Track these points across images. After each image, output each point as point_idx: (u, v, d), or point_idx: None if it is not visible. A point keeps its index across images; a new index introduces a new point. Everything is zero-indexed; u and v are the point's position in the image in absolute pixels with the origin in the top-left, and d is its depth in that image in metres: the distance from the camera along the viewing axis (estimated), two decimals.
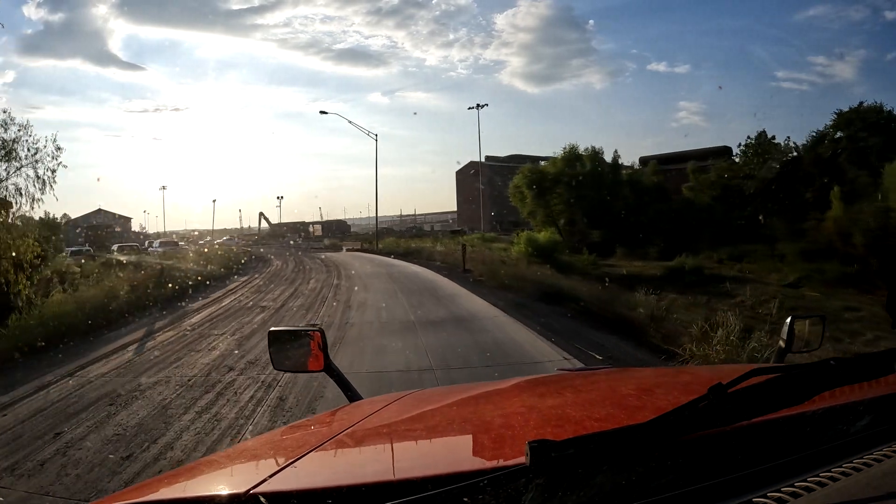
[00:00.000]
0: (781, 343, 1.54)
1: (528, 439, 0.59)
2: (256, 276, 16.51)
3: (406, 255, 24.72)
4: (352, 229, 55.96)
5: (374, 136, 33.98)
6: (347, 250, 36.77)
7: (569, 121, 70.21)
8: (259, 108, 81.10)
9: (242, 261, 22.64)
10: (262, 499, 0.68)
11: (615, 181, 26.08)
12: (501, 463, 0.67)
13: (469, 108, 45.13)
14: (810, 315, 1.61)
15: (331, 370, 1.59)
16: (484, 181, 46.44)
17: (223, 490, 0.76)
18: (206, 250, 31.62)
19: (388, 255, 26.77)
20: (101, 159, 76.59)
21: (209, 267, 17.25)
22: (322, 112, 33.90)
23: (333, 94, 75.73)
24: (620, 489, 0.60)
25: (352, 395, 1.59)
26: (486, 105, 51.87)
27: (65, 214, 52.62)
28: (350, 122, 37.83)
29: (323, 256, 25.99)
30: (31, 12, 66.88)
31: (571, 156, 27.28)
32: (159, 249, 26.84)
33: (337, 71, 76.95)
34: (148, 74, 75.98)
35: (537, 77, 78.40)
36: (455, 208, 55.65)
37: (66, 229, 50.74)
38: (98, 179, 74.30)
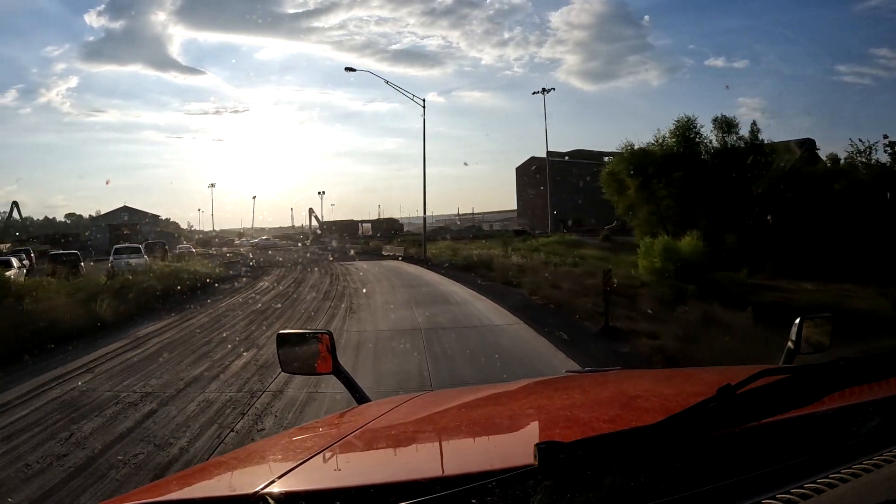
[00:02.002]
0: (790, 344, 1.48)
1: (536, 441, 0.61)
2: (173, 329, 9.87)
3: (467, 271, 18.39)
4: (405, 228, 54.28)
5: (422, 102, 26.63)
6: (386, 256, 30.86)
7: (626, 118, 67.09)
8: (316, 109, 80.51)
9: (216, 281, 17.60)
10: (270, 500, 0.70)
11: (754, 166, 19.35)
12: (510, 464, 0.68)
13: (534, 93, 44.30)
14: (819, 315, 1.58)
15: (339, 373, 1.62)
16: (549, 178, 43.76)
17: (233, 491, 0.80)
18: (211, 253, 29.88)
19: (439, 267, 21.08)
20: (163, 160, 78.14)
21: (117, 299, 11.78)
22: (349, 69, 28.62)
23: (390, 94, 74.96)
24: (629, 491, 0.63)
25: (360, 398, 1.60)
26: (553, 89, 49.49)
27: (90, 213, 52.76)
28: (387, 82, 29.61)
29: (345, 270, 21.03)
30: (93, 20, 70.86)
31: (687, 131, 20.63)
32: (112, 260, 21.06)
33: (393, 71, 74.48)
34: (207, 78, 76.92)
35: (593, 74, 76.75)
36: (514, 206, 54.03)
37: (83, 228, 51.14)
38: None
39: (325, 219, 55.71)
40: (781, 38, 62.68)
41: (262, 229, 58.90)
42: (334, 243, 41.49)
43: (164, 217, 54.35)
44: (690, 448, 0.66)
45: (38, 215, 54.80)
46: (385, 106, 76.95)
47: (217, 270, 20.09)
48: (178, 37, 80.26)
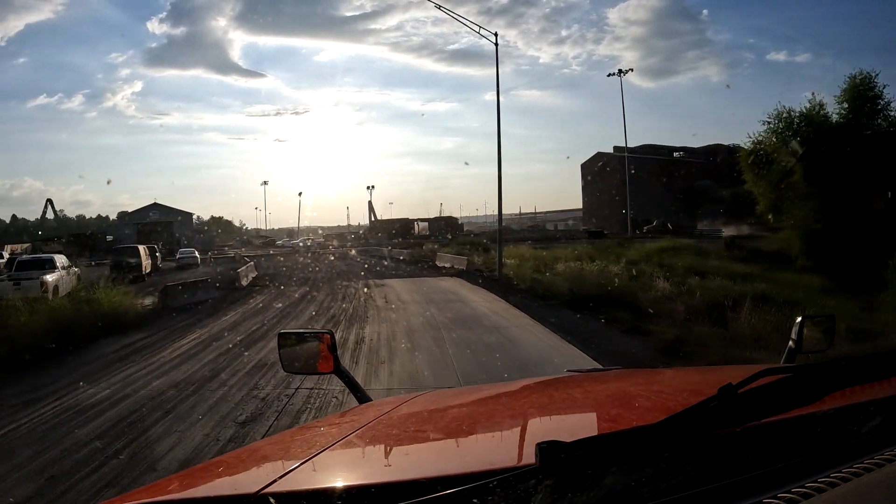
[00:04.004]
0: (791, 343, 1.46)
1: (537, 440, 0.65)
2: None
3: (589, 311, 10.88)
4: (465, 228, 51.64)
5: (493, 38, 19.95)
6: (441, 268, 21.49)
7: (687, 115, 64.58)
8: (374, 110, 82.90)
9: (100, 334, 10.45)
10: (271, 499, 0.73)
11: None
12: (511, 464, 0.74)
13: (609, 75, 45.08)
14: (820, 315, 1.61)
15: (340, 372, 1.66)
16: (616, 174, 40.83)
17: (234, 490, 0.82)
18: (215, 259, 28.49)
19: (530, 297, 12.95)
20: (225, 160, 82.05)
21: None
22: None
23: (447, 94, 73.78)
24: (630, 490, 0.66)
25: (361, 397, 1.63)
26: (631, 70, 47.38)
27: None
28: (439, 7, 19.99)
29: (362, 306, 13.17)
30: (155, 27, 71.19)
31: (865, 92, 14.61)
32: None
33: (451, 71, 76.87)
34: (268, 81, 76.23)
35: (652, 71, 73.17)
36: (576, 205, 51.72)
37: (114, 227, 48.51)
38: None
39: (383, 216, 55.46)
40: (845, 28, 59.99)
41: (322, 227, 61.54)
42: (378, 248, 36.87)
43: (196, 215, 54.31)
44: (692, 447, 0.70)
45: (93, 214, 57.90)
46: (443, 106, 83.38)
47: (148, 302, 14.48)
48: (239, 41, 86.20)
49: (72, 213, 60.38)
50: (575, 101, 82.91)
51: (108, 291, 13.59)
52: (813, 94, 17.98)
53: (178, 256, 30.29)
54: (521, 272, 17.64)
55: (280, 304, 14.68)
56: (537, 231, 46.62)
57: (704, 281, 13.35)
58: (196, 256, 29.94)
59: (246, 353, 8.70)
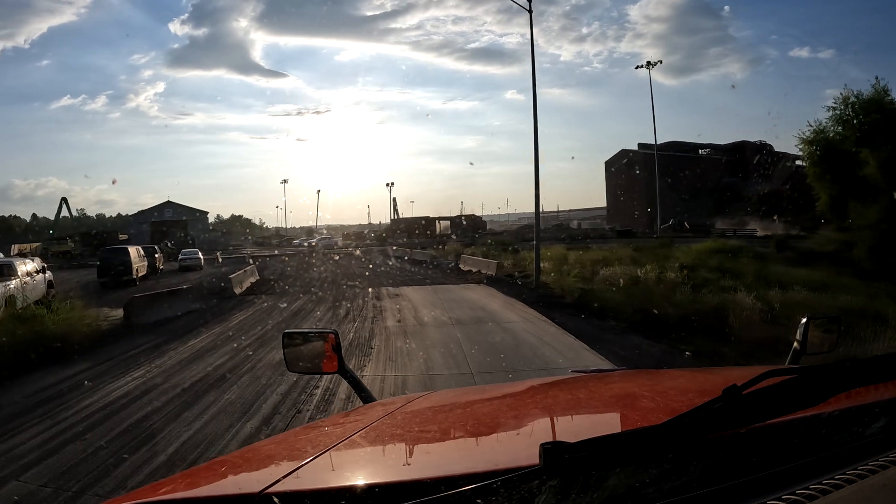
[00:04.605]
0: (796, 344, 1.46)
1: (541, 441, 0.66)
2: None
3: (664, 335, 8.57)
4: (488, 226, 51.55)
5: (528, 4, 17.64)
6: (467, 272, 18.91)
7: (711, 113, 62.60)
8: (395, 109, 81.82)
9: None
10: (275, 499, 0.74)
11: None
12: (515, 464, 0.72)
13: (637, 67, 43.38)
14: (826, 315, 1.58)
15: (345, 372, 1.70)
16: (641, 172, 40.31)
17: (238, 489, 0.83)
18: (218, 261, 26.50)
19: (585, 317, 10.80)
20: (247, 160, 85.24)
21: None
22: None
23: (469, 92, 72.11)
24: (634, 491, 0.67)
25: (366, 397, 1.68)
26: (660, 62, 48.81)
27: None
28: None
29: (361, 352, 8.84)
30: (177, 28, 72.15)
31: None
32: None
33: (472, 70, 75.49)
34: (289, 81, 77.33)
35: (674, 68, 75.15)
36: (597, 204, 52.76)
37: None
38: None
39: (404, 214, 56.21)
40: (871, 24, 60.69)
41: (343, 226, 63.91)
42: (398, 248, 35.42)
43: (212, 214, 55.63)
44: (696, 449, 0.70)
45: (114, 213, 61.09)
46: (464, 104, 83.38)
47: (116, 315, 12.11)
48: (260, 42, 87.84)
49: (95, 212, 66.35)
50: (596, 99, 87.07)
51: (58, 305, 11.32)
52: (877, 78, 15.96)
53: (179, 258, 28.37)
54: (561, 280, 15.65)
55: (270, 322, 12.14)
56: (562, 230, 45.77)
57: (788, 293, 10.94)
58: (199, 258, 28.05)
59: (189, 411, 5.92)
